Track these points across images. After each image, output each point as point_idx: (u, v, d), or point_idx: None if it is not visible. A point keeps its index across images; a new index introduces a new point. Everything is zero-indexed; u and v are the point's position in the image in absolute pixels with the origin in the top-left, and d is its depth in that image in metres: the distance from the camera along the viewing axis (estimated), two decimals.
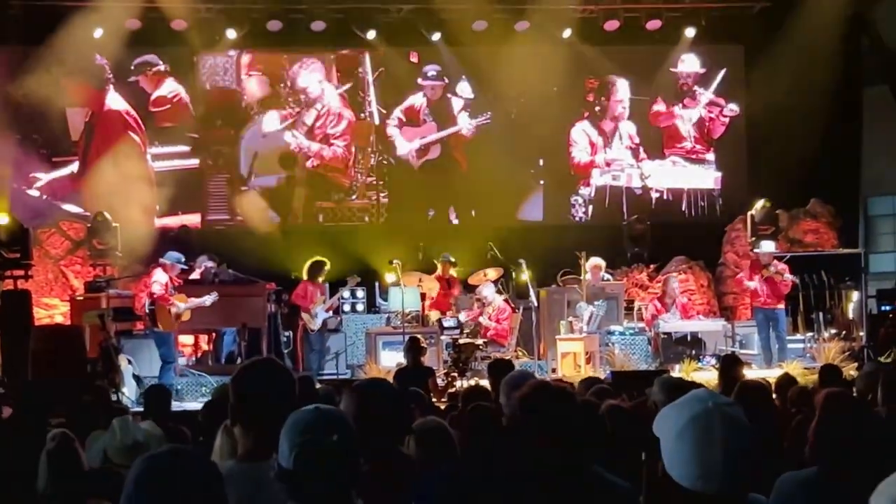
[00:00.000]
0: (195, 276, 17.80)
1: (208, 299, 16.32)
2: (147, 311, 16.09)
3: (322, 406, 3.70)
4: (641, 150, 22.34)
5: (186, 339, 18.40)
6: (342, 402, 4.68)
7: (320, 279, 18.15)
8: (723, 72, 22.03)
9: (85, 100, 20.55)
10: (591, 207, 22.10)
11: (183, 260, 16.53)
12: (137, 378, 15.64)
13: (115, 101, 20.64)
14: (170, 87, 20.84)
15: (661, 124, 22.33)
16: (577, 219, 22.06)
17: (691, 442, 2.83)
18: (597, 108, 22.31)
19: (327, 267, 18.19)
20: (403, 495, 4.47)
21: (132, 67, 20.59)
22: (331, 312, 18.22)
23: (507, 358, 13.28)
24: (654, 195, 22.16)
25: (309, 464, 3.50)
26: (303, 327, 17.76)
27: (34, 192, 20.32)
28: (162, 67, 20.69)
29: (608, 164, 22.31)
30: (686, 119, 22.34)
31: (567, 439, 4.05)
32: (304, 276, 18.17)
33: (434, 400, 11.31)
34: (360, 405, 4.56)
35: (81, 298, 17.96)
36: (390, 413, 4.65)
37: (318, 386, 9.96)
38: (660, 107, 22.30)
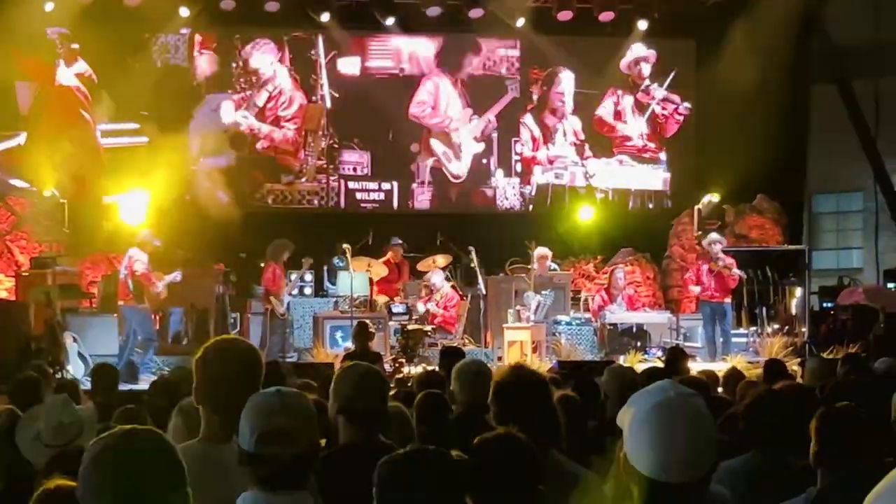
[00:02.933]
0: None
1: (178, 276, 16.24)
2: (131, 290, 15.92)
3: (283, 389, 3.72)
4: (587, 147, 22.25)
5: None
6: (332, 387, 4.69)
7: (283, 260, 17.85)
8: (673, 73, 22.10)
9: (35, 73, 20.33)
10: (531, 207, 22.05)
11: (154, 237, 16.36)
12: (82, 356, 15.53)
13: (65, 76, 20.42)
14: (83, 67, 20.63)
15: (606, 134, 22.29)
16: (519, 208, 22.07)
17: (652, 431, 2.86)
18: (535, 98, 22.20)
19: (290, 247, 17.95)
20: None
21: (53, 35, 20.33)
22: (290, 295, 18.10)
23: (458, 345, 13.35)
24: (599, 196, 22.06)
25: (269, 446, 3.52)
26: (271, 311, 17.59)
27: None
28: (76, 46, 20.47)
29: (551, 162, 22.24)
30: (633, 127, 22.25)
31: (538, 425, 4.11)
32: (269, 258, 17.87)
33: None
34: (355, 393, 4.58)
35: (27, 274, 17.79)
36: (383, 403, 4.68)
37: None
38: (604, 111, 22.21)
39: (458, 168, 21.90)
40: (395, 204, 21.78)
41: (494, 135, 21.99)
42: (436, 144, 21.81)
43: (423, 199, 21.84)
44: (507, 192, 22.03)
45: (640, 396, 2.96)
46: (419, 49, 21.78)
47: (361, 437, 4.52)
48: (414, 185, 21.82)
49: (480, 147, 21.96)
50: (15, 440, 5.70)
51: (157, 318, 17.99)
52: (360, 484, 3.43)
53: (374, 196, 21.80)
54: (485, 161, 22.07)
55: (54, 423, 5.64)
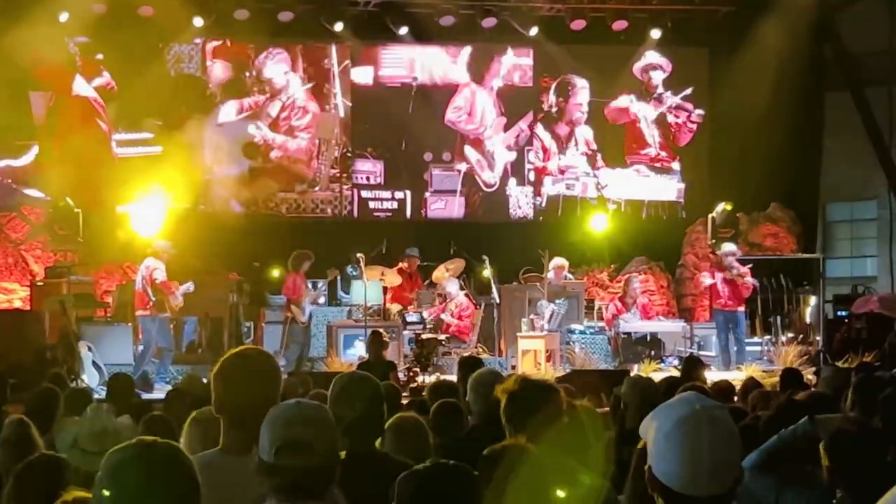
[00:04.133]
0: None
1: (191, 286, 16.27)
2: (152, 299, 15.95)
3: (303, 400, 3.73)
4: (599, 157, 22.18)
5: None
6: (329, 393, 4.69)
7: (304, 270, 17.88)
8: (689, 90, 22.06)
9: (51, 82, 20.40)
10: (541, 218, 22.00)
11: (170, 247, 16.39)
12: (97, 365, 15.56)
13: (81, 87, 20.48)
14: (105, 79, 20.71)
15: (618, 121, 22.12)
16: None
17: (678, 444, 2.86)
18: (553, 110, 22.18)
19: (312, 258, 17.98)
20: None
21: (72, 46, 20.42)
22: (315, 305, 18.10)
23: (476, 355, 13.35)
24: (611, 207, 21.94)
25: (289, 458, 3.52)
26: (291, 319, 17.62)
27: None
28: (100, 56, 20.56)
29: (562, 172, 22.20)
30: (646, 120, 22.24)
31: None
32: (290, 268, 17.88)
33: None
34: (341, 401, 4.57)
35: (42, 284, 17.83)
36: (375, 409, 4.66)
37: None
38: (618, 102, 22.16)
39: (491, 176, 21.90)
40: (409, 213, 21.78)
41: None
42: (470, 152, 21.82)
43: (436, 207, 21.84)
44: (520, 200, 22.00)
45: (665, 409, 2.95)
46: (432, 58, 21.78)
47: (352, 446, 4.48)
48: (427, 194, 21.82)
49: (512, 156, 21.95)
50: (21, 450, 5.76)
51: (170, 327, 18.05)
52: (354, 491, 3.41)
53: (387, 205, 21.81)
54: None
55: (97, 430, 5.68)
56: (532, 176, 22.05)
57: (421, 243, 19.52)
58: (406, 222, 21.47)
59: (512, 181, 21.99)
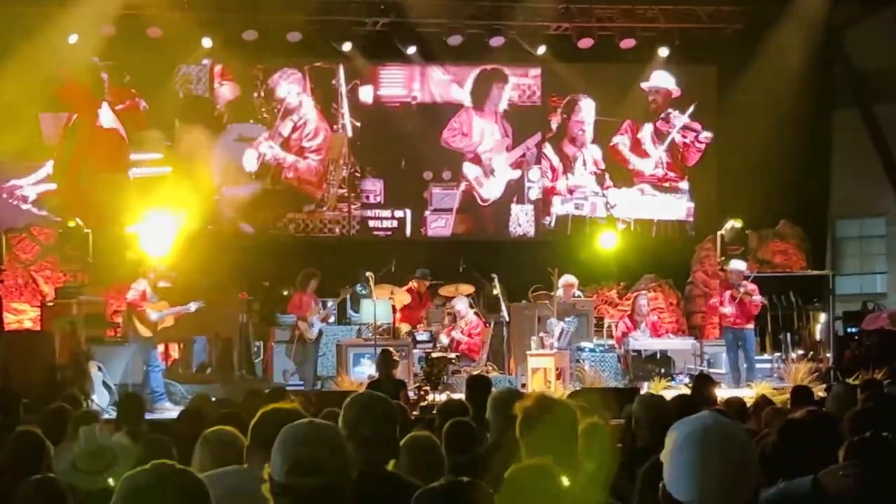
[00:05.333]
0: (165, 284, 17.71)
1: (193, 306, 16.24)
2: (126, 317, 16.00)
3: (315, 420, 3.73)
4: (607, 176, 22.20)
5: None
6: (341, 415, 4.68)
7: (311, 289, 17.95)
8: (694, 105, 22.07)
9: (75, 103, 20.48)
10: (548, 237, 21.94)
11: (162, 267, 16.41)
12: (108, 385, 15.57)
13: (108, 118, 20.59)
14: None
15: (616, 160, 22.21)
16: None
17: (689, 458, 2.86)
18: (559, 129, 22.18)
19: (318, 276, 18.02)
20: None
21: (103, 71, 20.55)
22: (325, 323, 18.13)
23: (485, 373, 13.36)
24: (620, 226, 21.95)
25: (300, 476, 3.52)
26: (299, 336, 17.65)
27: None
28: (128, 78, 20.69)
29: (570, 192, 22.21)
30: (648, 164, 22.17)
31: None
32: (298, 287, 17.98)
33: None
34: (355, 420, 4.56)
35: (52, 304, 17.87)
36: (389, 430, 4.65)
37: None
38: (621, 142, 22.15)
39: (489, 192, 21.93)
40: (409, 231, 21.79)
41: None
42: (469, 169, 21.87)
43: (436, 226, 21.85)
44: (519, 218, 22.02)
45: (680, 425, 2.96)
46: (432, 77, 21.83)
47: (365, 466, 4.47)
48: (427, 213, 21.84)
49: (516, 174, 21.97)
50: (28, 462, 5.79)
51: (179, 347, 18.10)
52: None
53: (386, 224, 21.84)
54: None
55: (92, 449, 5.71)
56: (533, 194, 22.04)
57: (430, 262, 19.53)
58: (415, 241, 21.49)
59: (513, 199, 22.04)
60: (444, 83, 21.87)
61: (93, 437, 5.98)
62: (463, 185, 21.84)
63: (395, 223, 21.83)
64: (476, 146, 21.89)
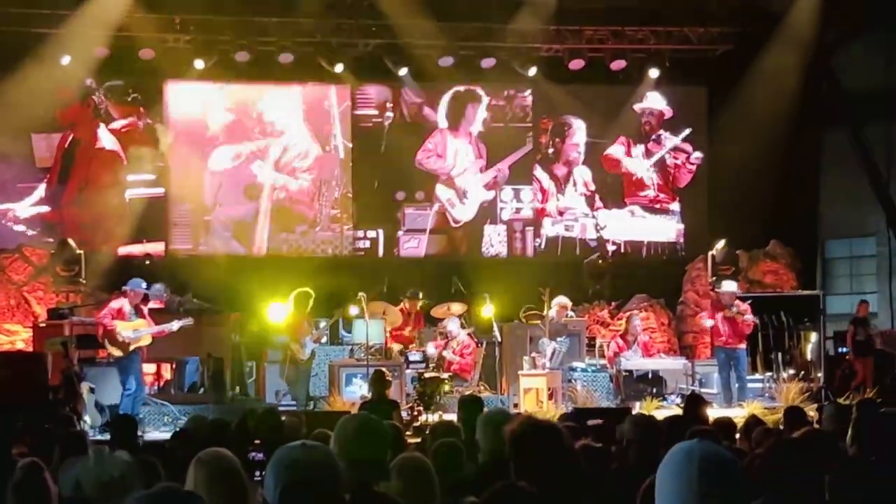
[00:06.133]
0: (158, 304, 17.74)
1: (175, 324, 16.20)
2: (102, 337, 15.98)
3: (308, 442, 3.76)
4: (597, 197, 22.25)
5: (149, 368, 18.25)
6: (332, 438, 4.71)
7: (306, 310, 17.98)
8: (687, 131, 22.17)
9: (74, 123, 20.52)
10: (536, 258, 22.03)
11: (144, 286, 16.35)
12: (100, 406, 15.56)
13: (107, 140, 20.66)
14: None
15: (609, 170, 22.28)
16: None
17: (672, 481, 2.90)
18: (550, 151, 22.29)
19: (312, 297, 18.05)
20: None
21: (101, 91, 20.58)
22: (317, 343, 18.13)
23: (477, 394, 13.37)
24: (611, 248, 22.03)
25: (293, 499, 3.56)
26: (292, 356, 17.66)
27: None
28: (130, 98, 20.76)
29: (560, 213, 22.27)
30: (640, 165, 22.30)
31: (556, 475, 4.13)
32: (292, 307, 17.97)
33: None
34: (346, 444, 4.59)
35: (44, 325, 17.85)
36: (381, 452, 4.67)
37: (283, 418, 10.02)
38: (614, 149, 22.24)
39: (462, 213, 22.02)
40: (381, 252, 21.81)
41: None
42: (441, 190, 21.94)
43: (409, 246, 21.87)
44: (492, 239, 22.09)
45: (669, 453, 2.99)
46: (404, 97, 21.87)
47: (357, 488, 4.49)
48: (400, 233, 21.89)
49: (489, 195, 22.04)
50: (32, 494, 5.76)
51: (172, 367, 18.07)
52: None
53: (359, 244, 21.87)
54: None
55: (105, 479, 5.68)
56: (505, 215, 22.13)
57: (420, 282, 19.56)
58: (405, 261, 21.53)
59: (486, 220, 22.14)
60: (416, 104, 21.93)
61: (105, 466, 5.96)
62: (436, 206, 21.91)
63: (367, 243, 21.86)
64: (450, 168, 21.97)
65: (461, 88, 21.85)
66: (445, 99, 21.90)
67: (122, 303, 15.94)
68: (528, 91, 22.06)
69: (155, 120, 20.81)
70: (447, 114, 21.98)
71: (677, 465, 2.94)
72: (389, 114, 21.81)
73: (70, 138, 20.64)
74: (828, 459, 4.87)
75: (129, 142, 20.73)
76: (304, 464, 3.62)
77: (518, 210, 22.22)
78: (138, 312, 16.04)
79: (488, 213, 22.11)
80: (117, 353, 15.85)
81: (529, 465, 4.35)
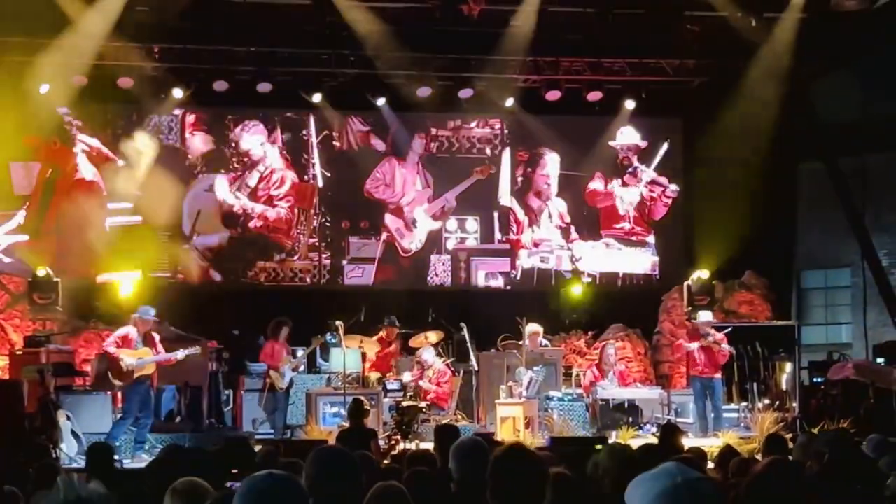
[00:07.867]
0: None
1: (181, 353, 16.12)
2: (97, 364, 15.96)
3: (275, 472, 3.78)
4: (573, 229, 22.34)
5: None
6: (304, 470, 4.74)
7: (283, 338, 17.97)
8: (665, 146, 22.31)
9: (48, 156, 20.52)
10: (509, 288, 22.09)
11: (152, 313, 16.24)
12: (76, 434, 15.53)
13: (87, 170, 20.68)
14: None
15: (599, 205, 22.37)
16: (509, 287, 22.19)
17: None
18: (521, 181, 22.35)
19: (289, 325, 18.05)
20: None
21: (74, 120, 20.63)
22: (295, 372, 18.12)
23: (453, 423, 13.39)
24: (586, 280, 22.14)
25: None
26: (269, 385, 17.67)
27: None
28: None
29: (536, 245, 22.36)
30: (625, 200, 22.44)
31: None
32: (269, 336, 18.01)
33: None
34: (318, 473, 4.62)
35: (21, 353, 17.82)
36: (352, 484, 4.70)
37: (258, 448, 10.04)
38: (597, 185, 22.34)
39: (410, 243, 22.07)
40: (325, 280, 21.79)
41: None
42: (389, 220, 22.02)
43: (354, 275, 21.88)
44: (437, 268, 22.15)
45: (647, 481, 3.00)
46: (350, 125, 21.93)
47: None
48: (344, 262, 21.90)
49: (437, 225, 22.13)
50: None
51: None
52: None
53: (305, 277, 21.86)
54: None
55: (71, 500, 5.69)
56: (450, 244, 22.19)
57: (398, 311, 19.58)
58: (384, 291, 21.54)
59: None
60: (363, 132, 22.00)
61: (71, 488, 5.97)
62: (384, 235, 21.96)
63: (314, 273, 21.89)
64: (399, 197, 22.04)
65: (407, 117, 21.89)
66: (393, 127, 21.95)
67: (129, 330, 15.86)
68: (497, 122, 22.18)
69: (131, 149, 20.81)
70: (393, 142, 22.05)
71: (660, 486, 2.95)
72: (336, 143, 21.87)
73: (50, 170, 20.64)
74: (799, 489, 4.91)
75: (107, 169, 20.73)
76: (270, 494, 3.64)
77: (463, 240, 22.28)
78: (147, 340, 15.96)
79: (434, 242, 22.17)
80: (117, 382, 15.80)
81: (506, 490, 4.39)
